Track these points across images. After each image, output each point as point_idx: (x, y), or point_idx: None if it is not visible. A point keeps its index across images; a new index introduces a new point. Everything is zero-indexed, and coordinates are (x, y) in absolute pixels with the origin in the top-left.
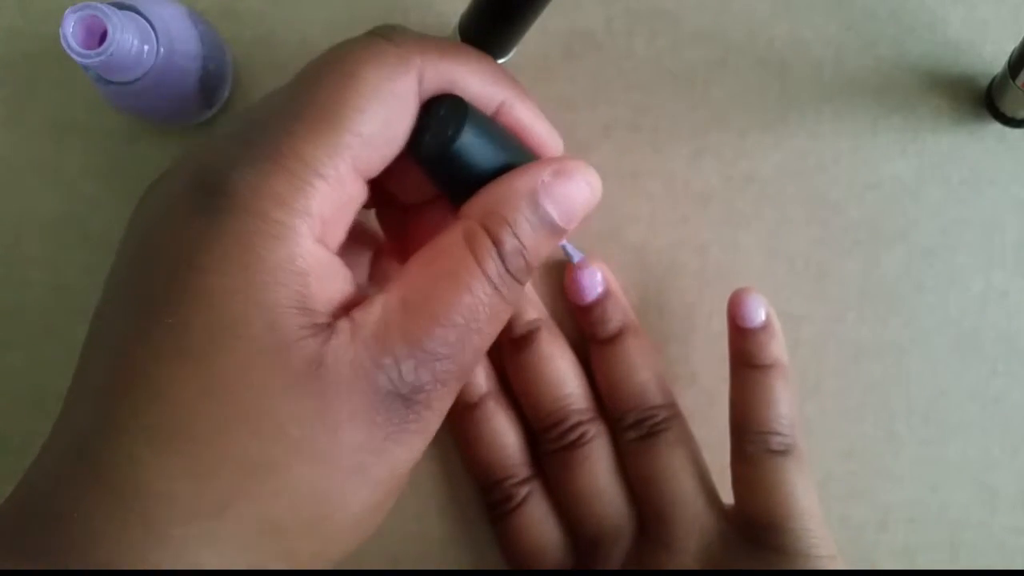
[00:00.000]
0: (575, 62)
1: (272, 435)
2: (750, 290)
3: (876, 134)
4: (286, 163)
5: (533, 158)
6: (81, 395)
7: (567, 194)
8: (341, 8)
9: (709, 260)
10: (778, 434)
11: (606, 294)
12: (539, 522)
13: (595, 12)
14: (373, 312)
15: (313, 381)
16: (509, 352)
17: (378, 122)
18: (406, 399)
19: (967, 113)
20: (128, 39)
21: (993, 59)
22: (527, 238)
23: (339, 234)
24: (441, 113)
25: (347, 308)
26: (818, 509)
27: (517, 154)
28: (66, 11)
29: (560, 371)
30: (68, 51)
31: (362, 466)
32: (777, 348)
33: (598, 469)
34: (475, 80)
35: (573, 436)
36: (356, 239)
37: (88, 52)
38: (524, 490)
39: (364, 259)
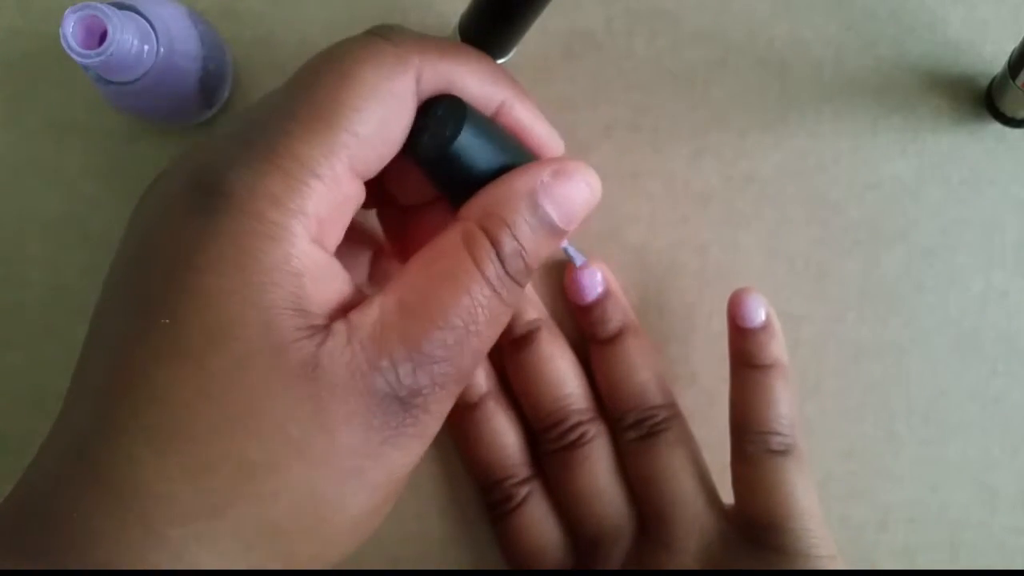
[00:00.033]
0: (575, 62)
1: (271, 435)
2: (750, 290)
3: (876, 134)
4: (282, 163)
5: (533, 159)
6: (80, 395)
7: (567, 195)
8: (341, 8)
9: (709, 260)
10: (778, 434)
11: (606, 294)
12: (539, 522)
13: (595, 12)
14: (370, 314)
15: (309, 383)
16: (509, 352)
17: (375, 122)
18: (404, 402)
19: (967, 113)
20: (128, 39)
21: (993, 59)
22: (526, 240)
23: (336, 234)
24: (439, 113)
25: (345, 309)
26: (818, 509)
27: (516, 155)
28: (66, 11)
29: (560, 371)
30: (68, 51)
31: (360, 469)
32: (777, 348)
33: (598, 469)
34: (474, 80)
35: (573, 436)
36: (355, 239)
37: (88, 52)
38: (524, 490)
39: (364, 259)
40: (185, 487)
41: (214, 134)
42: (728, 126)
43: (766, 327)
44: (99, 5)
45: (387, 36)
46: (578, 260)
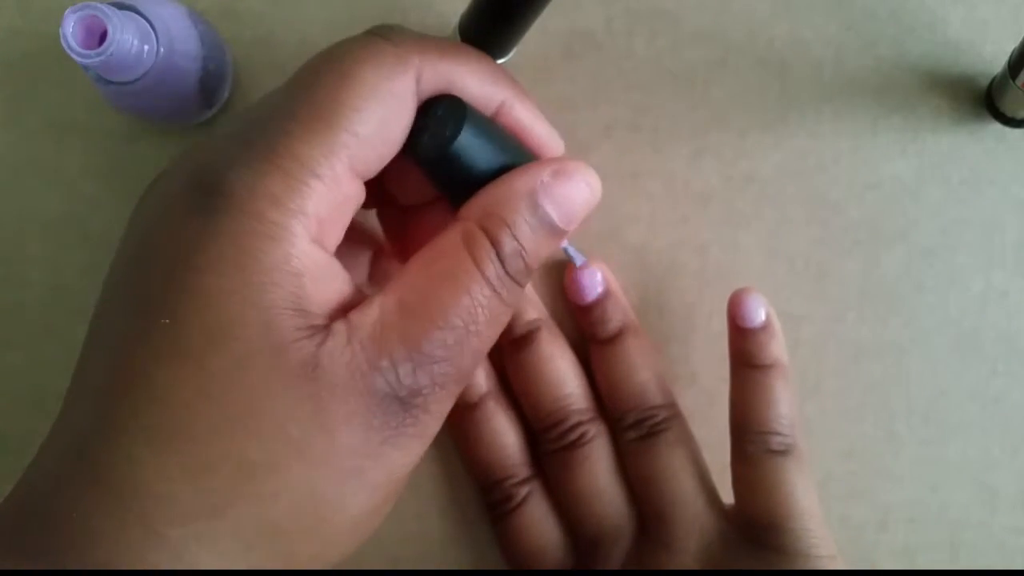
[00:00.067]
0: (575, 62)
1: (271, 435)
2: (750, 290)
3: (876, 134)
4: (282, 163)
5: (533, 159)
6: (80, 395)
7: (567, 195)
8: (341, 8)
9: (709, 260)
10: (778, 434)
11: (606, 294)
12: (539, 522)
13: (595, 12)
14: (370, 314)
15: (309, 383)
16: (509, 352)
17: (375, 122)
18: (404, 402)
19: (967, 113)
20: (128, 39)
21: (993, 59)
22: (526, 240)
23: (336, 234)
24: (439, 113)
25: (345, 310)
26: (818, 509)
27: (516, 155)
28: (66, 11)
29: (560, 371)
30: (68, 51)
31: (360, 469)
32: (777, 348)
33: (598, 469)
34: (474, 80)
35: (573, 436)
36: (355, 239)
37: (88, 52)
38: (524, 490)
39: (364, 259)
40: (185, 487)
41: (214, 134)
42: (728, 126)
43: (766, 327)
44: (99, 5)
45: (387, 36)
46: (578, 260)
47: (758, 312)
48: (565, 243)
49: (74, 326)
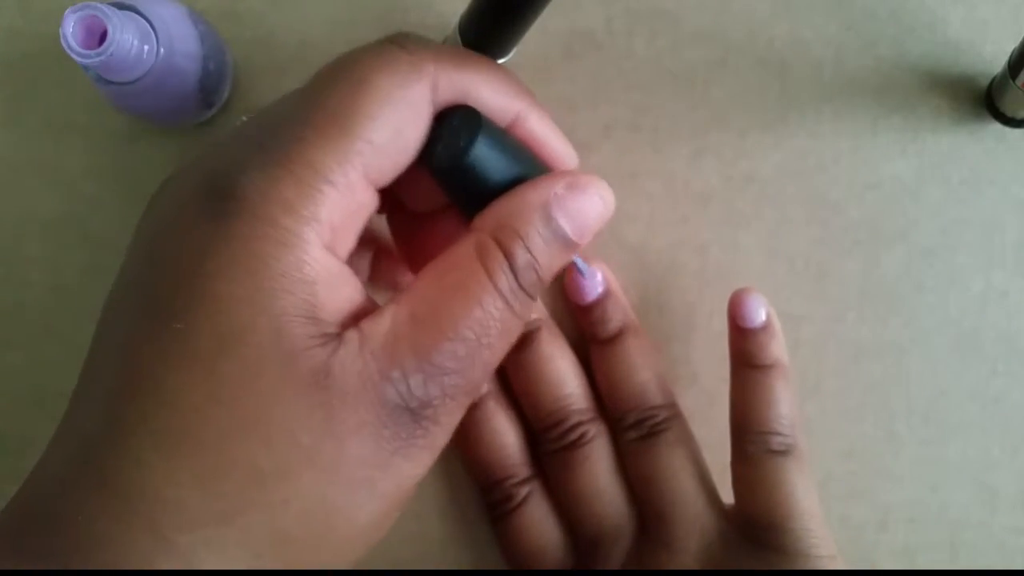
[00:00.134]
0: (575, 62)
1: (281, 443)
2: (750, 290)
3: (876, 134)
4: (295, 169)
5: (546, 171)
6: (87, 397)
7: (580, 208)
8: (341, 9)
9: (709, 260)
10: (778, 434)
11: (606, 294)
12: (539, 522)
13: (595, 12)
14: (382, 323)
15: (320, 391)
16: (509, 352)
17: (390, 130)
18: (414, 413)
19: (967, 113)
20: (128, 39)
21: (993, 59)
22: (539, 252)
23: (349, 242)
24: (454, 124)
25: (356, 318)
26: (818, 509)
27: (530, 167)
28: (66, 11)
29: (560, 371)
30: (68, 51)
31: (370, 480)
32: (777, 348)
33: (598, 469)
34: (489, 91)
35: (573, 436)
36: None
37: (88, 52)
38: (524, 490)
39: (365, 260)
40: (193, 493)
41: (226, 138)
42: (728, 126)
43: (766, 327)
44: (99, 5)
45: (402, 44)
46: (585, 270)
47: (758, 312)
48: (575, 254)
49: (74, 326)
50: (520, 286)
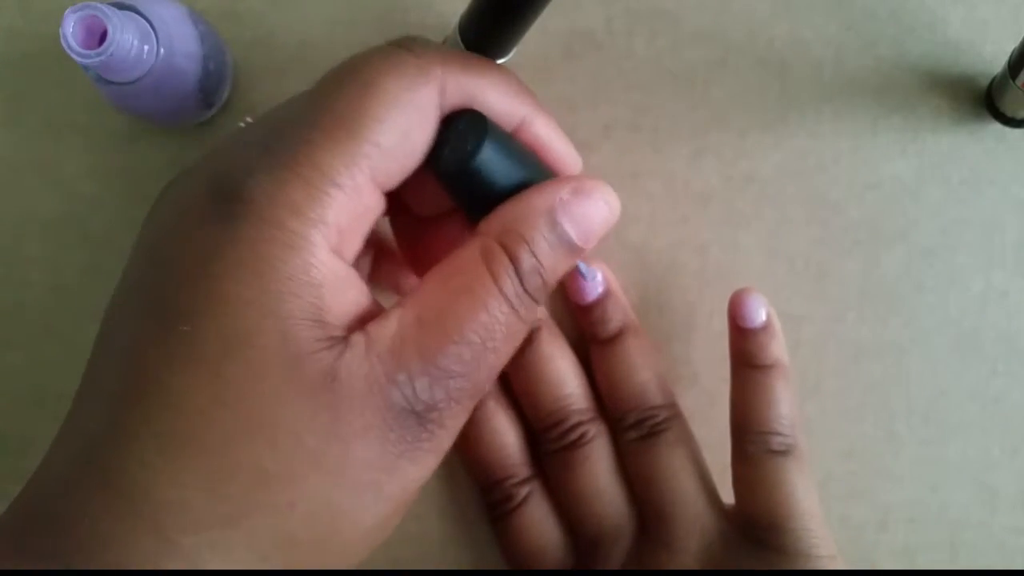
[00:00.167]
0: (575, 62)
1: (287, 445)
2: (751, 290)
3: (876, 134)
4: (302, 172)
5: (551, 176)
6: (91, 398)
7: (585, 213)
8: (341, 9)
9: (709, 260)
10: (779, 434)
11: (606, 294)
12: (539, 522)
13: (595, 12)
14: (388, 327)
15: (326, 394)
16: None
17: (397, 133)
18: (420, 417)
19: (967, 113)
20: (128, 39)
21: (993, 59)
22: (545, 257)
23: (355, 245)
24: (461, 128)
25: (362, 321)
26: (818, 509)
27: (535, 171)
28: (66, 11)
29: (560, 371)
30: (68, 51)
31: (376, 482)
32: (778, 348)
33: (598, 469)
34: (496, 95)
35: (573, 436)
36: None
37: (88, 52)
38: (524, 490)
39: (365, 260)
40: (198, 495)
41: (232, 139)
42: (728, 126)
43: (767, 327)
44: (99, 5)
45: (409, 47)
46: (588, 274)
47: (759, 312)
48: (580, 259)
49: (74, 326)
50: (525, 290)
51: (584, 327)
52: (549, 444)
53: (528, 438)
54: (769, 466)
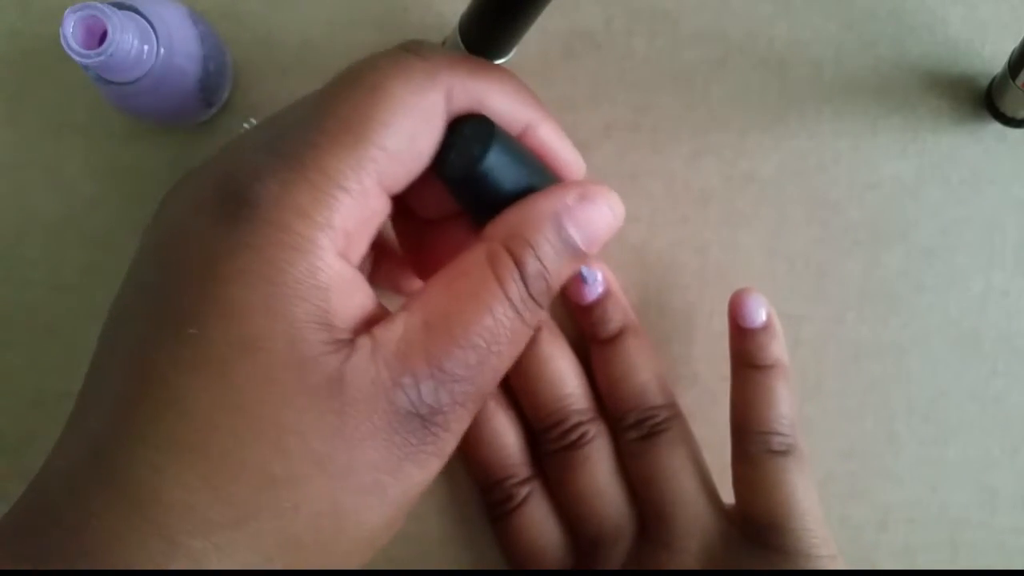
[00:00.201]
0: (575, 62)
1: (293, 448)
2: (751, 290)
3: (876, 134)
4: (309, 175)
5: (556, 180)
6: (95, 399)
7: (590, 219)
8: (341, 9)
9: (709, 260)
10: (779, 434)
11: (606, 294)
12: (539, 522)
13: (595, 12)
14: (394, 330)
15: (333, 398)
16: None
17: (404, 137)
18: (425, 420)
19: (967, 113)
20: (128, 39)
21: (993, 59)
22: (550, 262)
23: (362, 248)
24: (467, 132)
25: (368, 324)
26: (818, 509)
27: (541, 176)
28: (66, 11)
29: (560, 371)
30: (68, 51)
31: (380, 485)
32: (778, 348)
33: (598, 469)
34: (502, 100)
35: (573, 436)
36: None
37: (88, 52)
38: (524, 490)
39: (367, 261)
40: (204, 497)
41: (238, 142)
42: (728, 126)
43: (767, 327)
44: (99, 5)
45: (416, 51)
46: (590, 278)
47: (759, 312)
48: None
49: (74, 326)
50: (530, 295)
51: (584, 327)
52: (549, 444)
53: (528, 438)
54: (769, 466)
